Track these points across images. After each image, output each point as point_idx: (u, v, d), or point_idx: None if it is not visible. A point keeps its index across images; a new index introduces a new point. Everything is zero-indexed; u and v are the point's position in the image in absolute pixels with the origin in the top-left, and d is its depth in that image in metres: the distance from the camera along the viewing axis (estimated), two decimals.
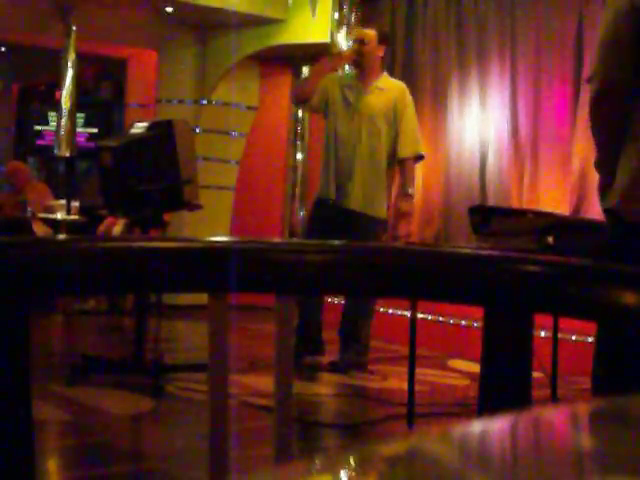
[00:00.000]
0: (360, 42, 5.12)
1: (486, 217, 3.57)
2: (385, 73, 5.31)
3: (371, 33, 5.12)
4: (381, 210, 5.11)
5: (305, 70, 8.54)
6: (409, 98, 5.15)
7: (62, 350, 6.06)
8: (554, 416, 0.52)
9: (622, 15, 2.06)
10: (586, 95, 6.12)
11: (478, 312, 1.01)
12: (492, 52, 6.90)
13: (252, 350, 5.50)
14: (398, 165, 5.12)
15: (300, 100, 5.43)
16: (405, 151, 5.08)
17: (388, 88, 5.15)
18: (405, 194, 5.06)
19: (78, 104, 8.11)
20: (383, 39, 5.20)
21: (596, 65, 2.18)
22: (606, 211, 2.15)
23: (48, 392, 4.21)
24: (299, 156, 8.65)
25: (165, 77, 8.74)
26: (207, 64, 8.58)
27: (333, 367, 5.15)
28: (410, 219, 5.18)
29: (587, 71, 6.00)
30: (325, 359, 5.26)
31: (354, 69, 5.35)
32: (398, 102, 5.09)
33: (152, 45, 8.91)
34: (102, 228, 7.49)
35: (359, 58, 5.13)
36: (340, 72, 5.66)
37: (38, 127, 10.62)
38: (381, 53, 5.19)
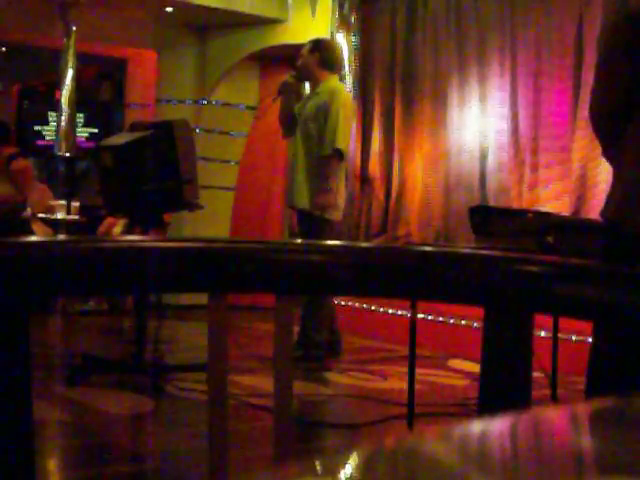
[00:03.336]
0: (298, 58, 5.58)
1: (486, 217, 3.57)
2: (331, 77, 5.52)
3: (304, 48, 5.57)
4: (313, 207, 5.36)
5: None
6: (339, 97, 5.35)
7: (62, 350, 6.06)
8: (554, 416, 0.52)
9: (616, 36, 2.07)
10: (586, 95, 6.12)
11: (478, 312, 1.01)
12: (492, 52, 6.90)
13: (252, 350, 5.51)
14: (320, 161, 5.34)
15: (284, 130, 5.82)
16: (324, 150, 5.30)
17: (322, 91, 5.42)
18: (322, 189, 5.28)
19: (78, 104, 8.11)
20: (314, 48, 5.53)
21: (592, 89, 2.20)
22: (603, 219, 2.15)
23: (48, 392, 4.21)
24: None
25: (165, 77, 8.74)
26: (207, 64, 8.58)
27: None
28: (327, 210, 5.35)
29: (587, 71, 6.01)
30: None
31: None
32: (328, 102, 5.32)
33: (152, 45, 8.91)
34: (102, 228, 7.49)
35: (298, 73, 5.57)
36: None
37: (38, 127, 10.62)
38: (314, 59, 5.47)
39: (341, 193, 5.42)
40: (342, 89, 5.55)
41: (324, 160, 5.29)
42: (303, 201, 5.38)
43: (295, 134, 5.51)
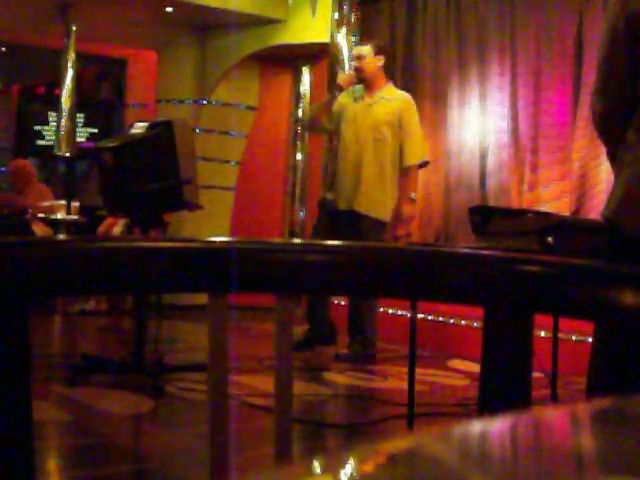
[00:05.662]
0: (357, 59, 5.57)
1: (486, 217, 3.56)
2: (390, 84, 5.66)
3: (366, 48, 5.59)
4: (385, 213, 5.47)
5: (305, 70, 8.56)
6: (414, 108, 5.53)
7: (62, 350, 6.06)
8: (554, 416, 0.52)
9: (616, 36, 2.07)
10: (586, 96, 6.12)
11: (478, 312, 1.01)
12: (492, 52, 6.90)
13: (252, 350, 5.50)
14: (403, 171, 5.48)
15: (317, 127, 5.87)
16: (411, 159, 5.46)
17: (393, 98, 5.53)
18: (408, 199, 5.46)
19: (78, 104, 8.10)
20: (379, 51, 5.57)
21: (594, 88, 2.19)
22: (604, 219, 2.15)
23: (48, 392, 4.21)
24: (299, 156, 8.65)
25: (165, 77, 8.74)
26: (207, 64, 8.58)
27: (340, 358, 5.52)
28: (411, 222, 5.66)
29: (587, 71, 6.01)
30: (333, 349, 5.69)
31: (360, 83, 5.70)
32: (403, 112, 5.47)
33: (152, 45, 8.91)
34: (102, 228, 7.49)
35: (360, 74, 5.54)
36: (351, 88, 5.80)
37: (38, 127, 10.62)
38: (380, 63, 5.54)
39: None
40: (410, 98, 5.63)
41: (409, 170, 5.46)
42: (369, 206, 5.41)
43: (345, 135, 5.53)
